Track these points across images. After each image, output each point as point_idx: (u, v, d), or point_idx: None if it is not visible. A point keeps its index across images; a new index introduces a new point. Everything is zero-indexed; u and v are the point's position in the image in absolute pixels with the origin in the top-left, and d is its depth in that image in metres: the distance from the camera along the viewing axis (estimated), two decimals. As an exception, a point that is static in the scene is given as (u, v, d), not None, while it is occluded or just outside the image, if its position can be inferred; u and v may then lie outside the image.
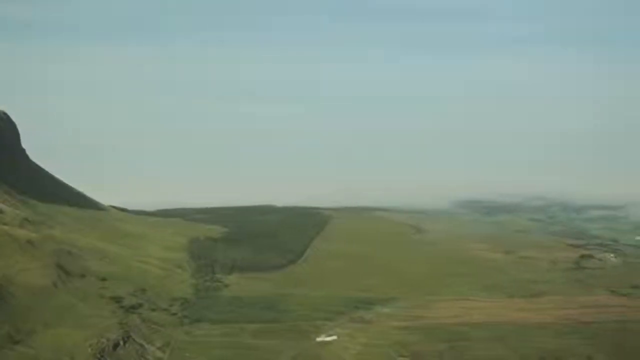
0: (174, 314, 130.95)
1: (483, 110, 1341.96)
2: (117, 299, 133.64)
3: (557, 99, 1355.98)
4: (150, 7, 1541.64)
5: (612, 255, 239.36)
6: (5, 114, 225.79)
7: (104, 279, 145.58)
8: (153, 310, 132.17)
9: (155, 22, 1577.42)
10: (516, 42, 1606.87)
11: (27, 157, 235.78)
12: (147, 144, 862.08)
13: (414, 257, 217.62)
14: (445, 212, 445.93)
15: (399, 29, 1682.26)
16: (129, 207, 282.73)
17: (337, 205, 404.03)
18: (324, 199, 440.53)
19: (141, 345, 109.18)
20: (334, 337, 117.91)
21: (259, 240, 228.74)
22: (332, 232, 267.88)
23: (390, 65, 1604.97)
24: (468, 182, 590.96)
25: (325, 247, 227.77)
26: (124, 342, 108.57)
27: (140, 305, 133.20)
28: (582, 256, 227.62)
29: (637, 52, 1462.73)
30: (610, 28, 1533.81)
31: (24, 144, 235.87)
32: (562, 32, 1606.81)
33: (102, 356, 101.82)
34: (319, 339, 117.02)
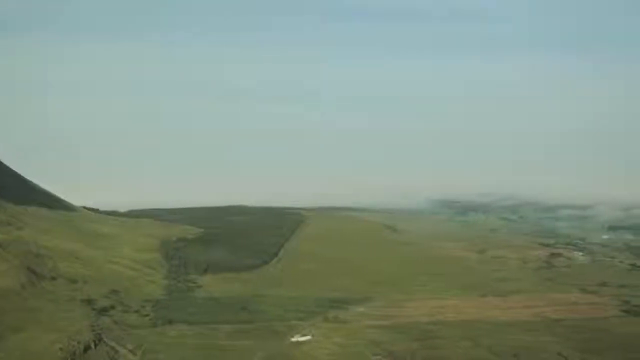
0: (147, 316, 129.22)
1: (460, 110, 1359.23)
2: (89, 301, 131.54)
3: (531, 100, 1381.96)
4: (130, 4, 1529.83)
5: (580, 253, 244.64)
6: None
7: (74, 281, 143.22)
8: (125, 312, 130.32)
9: (132, 19, 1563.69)
10: (499, 42, 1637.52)
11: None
12: (119, 144, 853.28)
13: (388, 256, 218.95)
14: (419, 212, 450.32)
15: (383, 29, 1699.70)
16: (101, 208, 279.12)
17: (312, 206, 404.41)
18: (299, 199, 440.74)
19: (113, 348, 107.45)
20: (308, 337, 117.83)
21: (233, 240, 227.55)
22: (307, 232, 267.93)
23: (372, 65, 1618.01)
24: (442, 182, 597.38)
25: (300, 248, 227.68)
26: (95, 345, 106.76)
27: (112, 307, 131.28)
28: (552, 255, 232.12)
29: (617, 53, 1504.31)
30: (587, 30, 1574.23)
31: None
32: (545, 33, 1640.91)
33: (72, 359, 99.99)
34: (293, 339, 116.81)
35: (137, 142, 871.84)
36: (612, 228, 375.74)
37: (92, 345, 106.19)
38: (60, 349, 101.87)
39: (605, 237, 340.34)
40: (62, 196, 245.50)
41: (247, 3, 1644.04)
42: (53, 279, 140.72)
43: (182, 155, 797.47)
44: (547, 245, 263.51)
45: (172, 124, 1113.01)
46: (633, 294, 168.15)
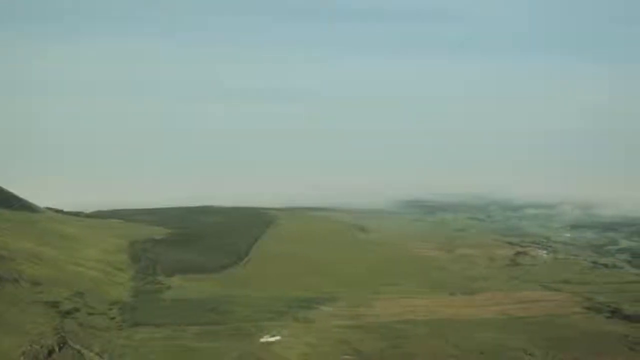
0: (113, 318, 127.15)
1: (430, 110, 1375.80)
2: (53, 304, 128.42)
3: (498, 99, 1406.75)
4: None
5: (544, 252, 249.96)
6: None
7: (38, 283, 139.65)
8: (91, 314, 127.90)
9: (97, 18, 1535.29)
10: (462, 43, 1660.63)
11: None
12: (85, 143, 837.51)
13: (357, 256, 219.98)
14: (388, 212, 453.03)
15: (351, 30, 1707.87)
16: (66, 209, 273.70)
17: (281, 205, 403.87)
18: (269, 199, 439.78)
19: (78, 351, 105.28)
20: (278, 338, 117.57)
21: (202, 241, 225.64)
22: (277, 232, 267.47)
23: (339, 65, 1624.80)
24: (411, 181, 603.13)
25: (270, 248, 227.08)
26: (60, 348, 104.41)
27: (77, 309, 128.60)
28: (518, 253, 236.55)
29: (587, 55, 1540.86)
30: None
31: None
32: (510, 34, 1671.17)
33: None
34: (262, 340, 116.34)
35: (104, 141, 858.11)
36: (575, 227, 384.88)
37: (57, 349, 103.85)
38: (23, 353, 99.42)
39: (568, 235, 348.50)
40: (24, 196, 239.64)
41: (219, 3, 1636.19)
42: (15, 281, 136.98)
43: (152, 154, 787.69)
44: (513, 244, 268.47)
45: (141, 124, 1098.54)
46: (595, 291, 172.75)
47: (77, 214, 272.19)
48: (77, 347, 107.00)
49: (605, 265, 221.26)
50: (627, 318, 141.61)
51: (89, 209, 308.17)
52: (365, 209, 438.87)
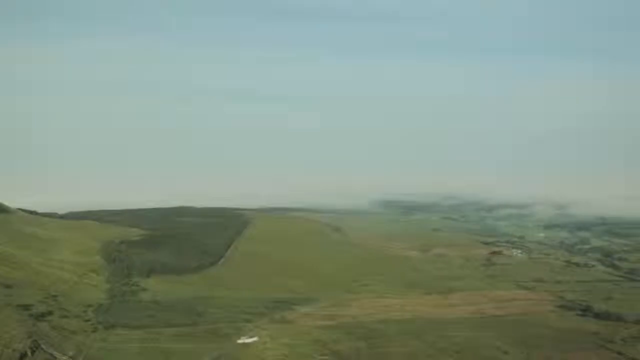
0: (87, 321, 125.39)
1: (400, 110, 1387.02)
2: (25, 307, 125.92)
3: (470, 100, 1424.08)
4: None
5: (518, 251, 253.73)
6: None
7: (9, 286, 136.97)
8: (64, 317, 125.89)
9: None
10: (424, 44, 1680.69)
11: None
12: (57, 142, 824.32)
13: (333, 256, 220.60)
14: (364, 212, 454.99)
15: (305, 30, 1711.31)
16: (38, 209, 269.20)
17: (257, 206, 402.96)
18: (244, 200, 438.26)
19: (51, 355, 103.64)
20: (255, 339, 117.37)
21: (178, 242, 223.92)
22: (253, 233, 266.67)
23: (307, 65, 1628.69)
24: (386, 182, 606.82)
25: (246, 249, 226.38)
26: (32, 352, 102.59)
27: (51, 312, 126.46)
28: (492, 253, 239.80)
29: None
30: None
31: None
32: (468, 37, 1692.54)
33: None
34: (239, 341, 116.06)
35: (78, 140, 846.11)
36: (548, 226, 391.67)
37: (29, 353, 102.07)
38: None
39: (541, 235, 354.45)
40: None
41: (187, 3, 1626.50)
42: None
43: (126, 154, 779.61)
44: (488, 244, 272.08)
45: (116, 124, 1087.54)
46: (567, 289, 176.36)
47: (50, 215, 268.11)
48: (51, 350, 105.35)
49: (577, 264, 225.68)
50: (598, 316, 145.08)
51: (63, 210, 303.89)
52: (341, 209, 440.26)
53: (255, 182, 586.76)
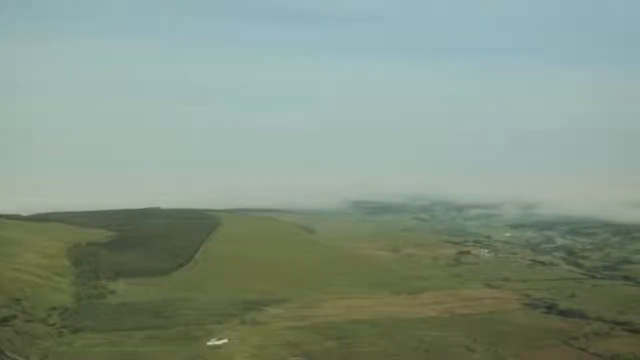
0: (52, 325, 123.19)
1: (371, 110, 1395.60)
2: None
3: (438, 100, 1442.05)
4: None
5: (486, 250, 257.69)
6: None
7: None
8: (29, 321, 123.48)
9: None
10: (390, 44, 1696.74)
11: None
12: (22, 142, 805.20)
13: (304, 257, 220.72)
14: (334, 213, 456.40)
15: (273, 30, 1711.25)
16: (2, 212, 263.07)
17: (227, 207, 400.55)
18: (214, 200, 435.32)
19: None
20: (225, 341, 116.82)
21: (146, 244, 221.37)
22: (223, 234, 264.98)
23: (275, 65, 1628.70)
24: (356, 182, 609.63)
25: (216, 250, 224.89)
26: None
27: (14, 316, 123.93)
28: (461, 252, 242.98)
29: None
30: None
31: None
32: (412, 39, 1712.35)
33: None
34: (209, 343, 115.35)
35: (43, 140, 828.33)
36: (515, 226, 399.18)
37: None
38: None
39: (508, 234, 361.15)
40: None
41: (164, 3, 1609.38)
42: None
43: (93, 155, 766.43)
44: (456, 244, 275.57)
45: (83, 124, 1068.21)
46: (533, 287, 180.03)
47: (14, 217, 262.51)
48: (14, 356, 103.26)
49: (543, 263, 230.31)
50: (562, 313, 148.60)
51: (27, 211, 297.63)
52: (311, 210, 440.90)
53: (224, 183, 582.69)
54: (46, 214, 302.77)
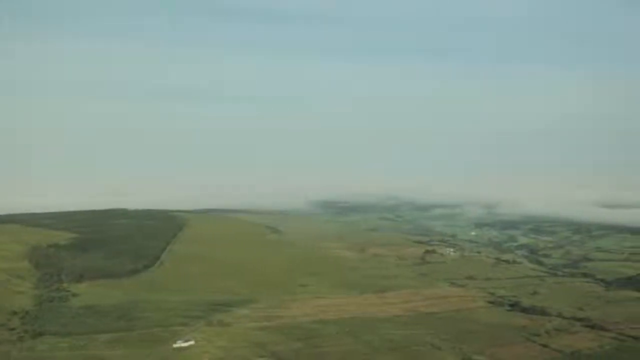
0: (13, 329, 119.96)
1: (338, 111, 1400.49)
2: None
3: (404, 100, 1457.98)
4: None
5: (451, 249, 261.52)
6: None
7: None
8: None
9: None
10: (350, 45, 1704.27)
11: None
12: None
13: (270, 257, 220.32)
14: (301, 213, 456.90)
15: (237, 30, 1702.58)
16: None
17: (193, 208, 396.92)
18: (180, 201, 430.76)
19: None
20: (191, 342, 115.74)
21: (111, 245, 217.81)
22: (189, 235, 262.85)
23: (236, 65, 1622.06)
24: (323, 183, 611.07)
25: (182, 251, 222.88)
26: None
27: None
28: (426, 252, 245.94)
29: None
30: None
31: None
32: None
33: None
34: (175, 345, 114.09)
35: (3, 141, 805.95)
36: (479, 225, 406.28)
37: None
38: None
39: (473, 233, 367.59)
40: None
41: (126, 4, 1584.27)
42: None
43: (56, 155, 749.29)
44: (422, 243, 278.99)
45: (44, 123, 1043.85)
46: (496, 285, 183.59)
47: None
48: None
49: (506, 261, 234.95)
50: (525, 310, 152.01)
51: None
52: (277, 210, 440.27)
53: (189, 184, 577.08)
54: (6, 215, 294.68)
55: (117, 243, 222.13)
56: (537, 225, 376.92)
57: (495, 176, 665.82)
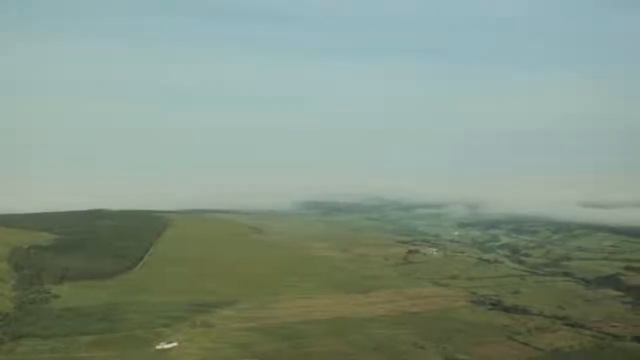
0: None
1: (321, 110, 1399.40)
2: None
3: (389, 100, 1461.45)
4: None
5: (434, 249, 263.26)
6: None
7: None
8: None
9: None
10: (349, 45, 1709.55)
11: None
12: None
13: (255, 258, 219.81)
14: (286, 213, 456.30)
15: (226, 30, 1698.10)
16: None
17: (177, 208, 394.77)
18: (163, 201, 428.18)
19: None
20: (174, 344, 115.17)
21: (93, 246, 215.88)
22: (172, 235, 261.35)
23: (224, 65, 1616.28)
24: (308, 183, 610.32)
25: (165, 252, 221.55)
26: None
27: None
28: (410, 251, 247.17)
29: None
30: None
31: None
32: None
33: None
34: (158, 347, 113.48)
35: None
36: (462, 225, 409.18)
37: None
38: None
39: (456, 233, 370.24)
40: None
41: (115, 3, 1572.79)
42: None
43: (37, 155, 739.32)
44: (406, 243, 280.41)
45: (27, 123, 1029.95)
46: (479, 285, 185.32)
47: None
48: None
49: (488, 261, 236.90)
50: (507, 309, 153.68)
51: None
52: (261, 210, 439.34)
53: (173, 184, 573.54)
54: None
55: (99, 244, 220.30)
56: (519, 225, 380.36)
57: (478, 176, 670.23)
